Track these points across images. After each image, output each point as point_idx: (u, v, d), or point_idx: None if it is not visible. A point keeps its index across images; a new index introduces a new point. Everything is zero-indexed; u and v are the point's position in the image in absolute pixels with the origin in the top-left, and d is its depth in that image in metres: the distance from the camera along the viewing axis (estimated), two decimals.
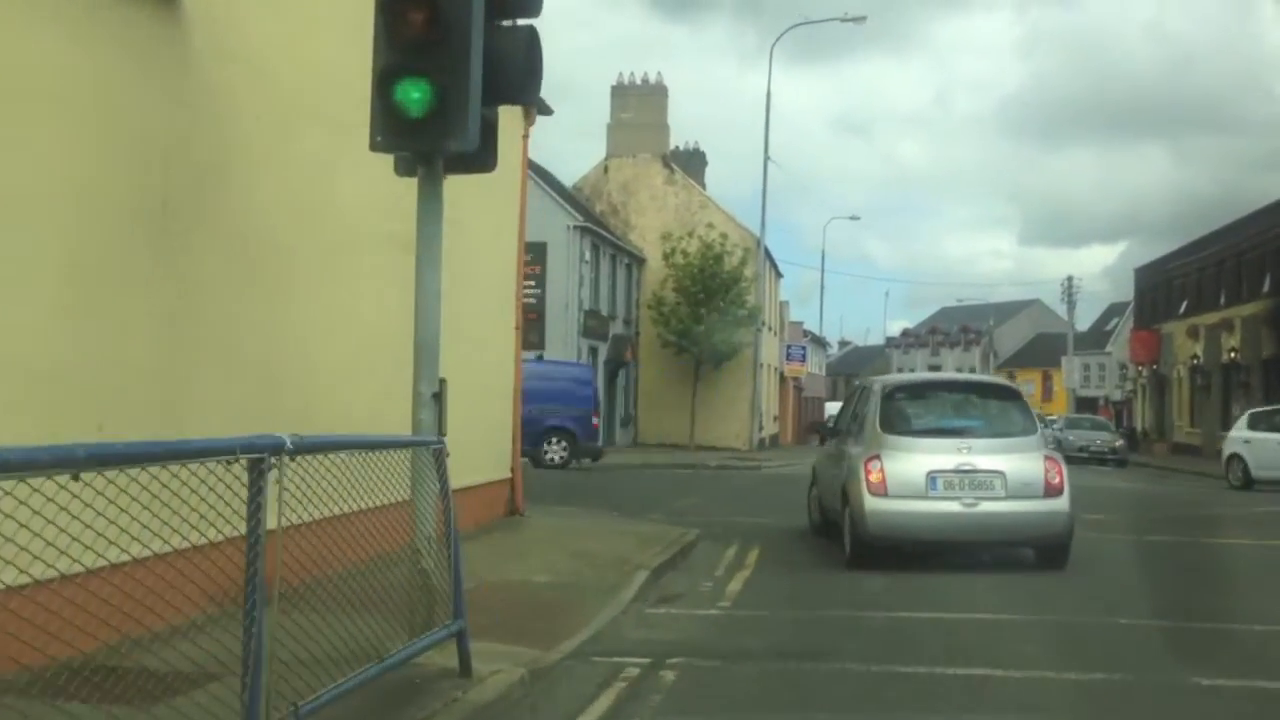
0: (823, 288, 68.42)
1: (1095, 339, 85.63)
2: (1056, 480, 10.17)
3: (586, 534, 11.46)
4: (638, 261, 38.80)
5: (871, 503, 9.93)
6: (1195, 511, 17.63)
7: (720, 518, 14.42)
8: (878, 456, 10.08)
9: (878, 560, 9.94)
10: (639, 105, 39.42)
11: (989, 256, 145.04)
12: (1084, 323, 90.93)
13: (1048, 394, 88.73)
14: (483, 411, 11.49)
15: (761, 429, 41.12)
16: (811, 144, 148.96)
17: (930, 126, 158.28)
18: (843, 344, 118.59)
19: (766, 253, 40.40)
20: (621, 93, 39.83)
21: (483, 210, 11.30)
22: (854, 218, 73.28)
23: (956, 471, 9.99)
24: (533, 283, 31.66)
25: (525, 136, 12.88)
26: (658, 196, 39.45)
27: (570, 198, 35.71)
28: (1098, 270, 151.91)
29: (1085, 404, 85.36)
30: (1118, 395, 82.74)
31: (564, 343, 31.17)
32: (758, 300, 38.51)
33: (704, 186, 42.13)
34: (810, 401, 67.59)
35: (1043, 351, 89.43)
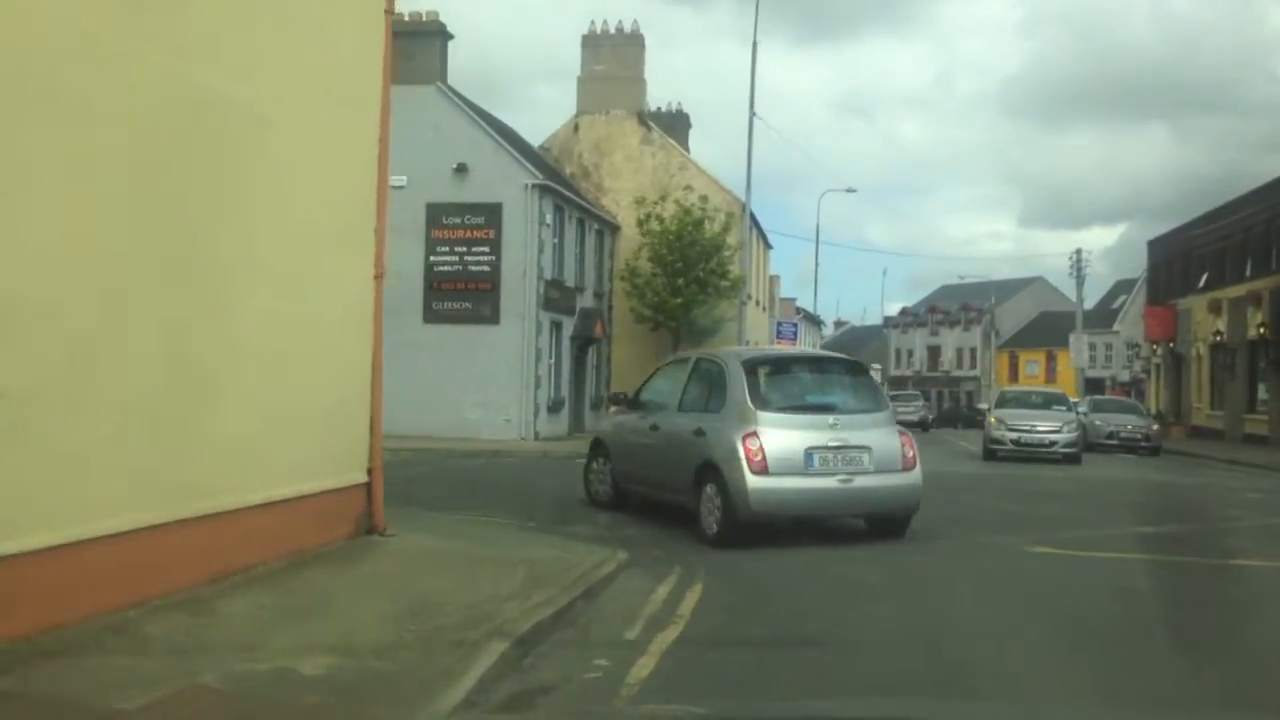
0: (817, 263, 65.01)
1: (1102, 317, 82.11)
2: (910, 454, 10.82)
3: (455, 565, 8.02)
4: (610, 229, 35.32)
5: (753, 480, 9.95)
6: None
7: (669, 526, 11.02)
8: (755, 434, 10.09)
9: (746, 538, 9.96)
10: (612, 57, 35.81)
11: (989, 238, 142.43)
12: (1089, 301, 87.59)
13: (1052, 374, 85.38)
14: (310, 389, 8.03)
15: None
16: (810, 125, 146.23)
17: (931, 108, 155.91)
18: (839, 324, 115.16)
19: (752, 219, 36.88)
20: (593, 43, 36.17)
21: (300, 94, 7.82)
22: (850, 190, 69.09)
23: (830, 448, 10.28)
24: (486, 249, 28.21)
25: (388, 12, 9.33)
26: (633, 157, 35.90)
27: (533, 155, 32.17)
28: (1098, 251, 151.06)
29: (1093, 385, 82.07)
30: (1125, 375, 79.35)
31: (521, 316, 27.71)
32: (742, 270, 35.04)
33: (687, 151, 38.61)
34: None
35: (1047, 330, 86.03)
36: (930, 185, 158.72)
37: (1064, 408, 26.99)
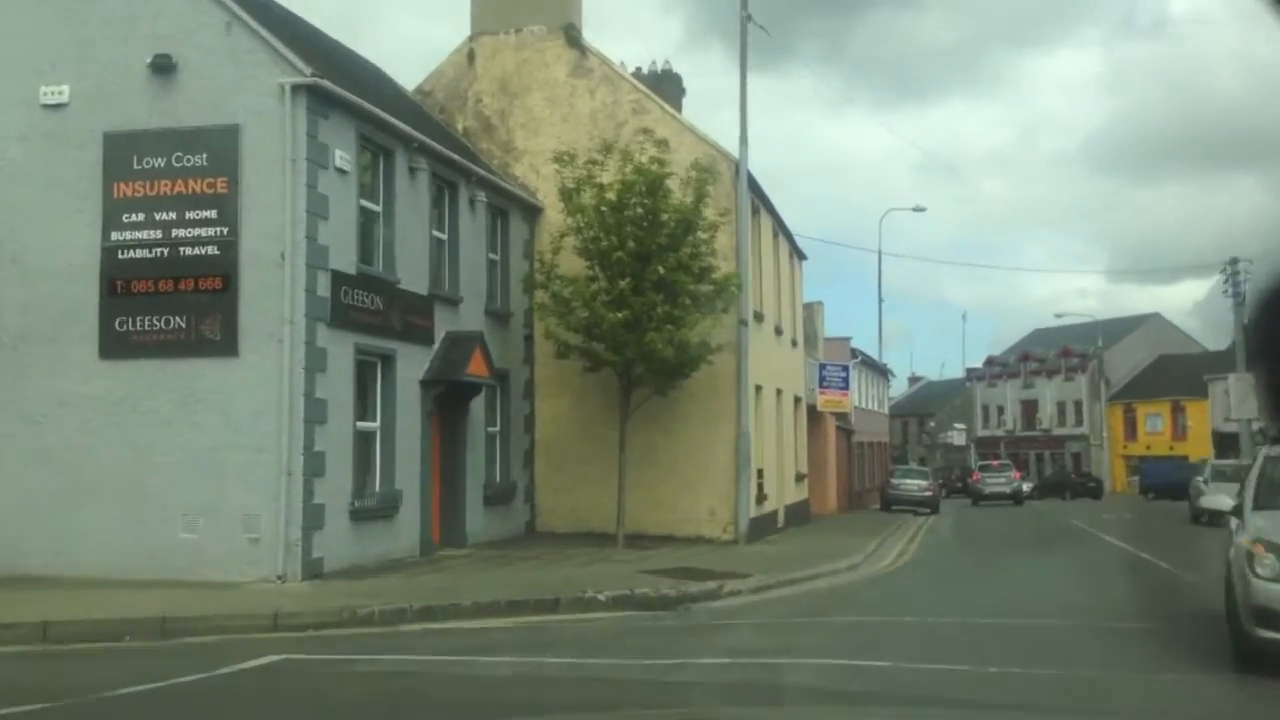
0: (880, 294, 51.16)
1: (1243, 358, 66.73)
2: None
3: None
4: (524, 210, 22.02)
5: None
6: None
7: None
8: None
9: None
10: None
11: (1074, 295, 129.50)
12: (1218, 341, 71.94)
13: (1180, 431, 69.67)
14: None
15: (762, 498, 23.74)
16: (891, 187, 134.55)
17: (1014, 166, 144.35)
18: (913, 380, 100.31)
19: (755, 191, 23.29)
20: None
21: None
22: (918, 208, 55.04)
23: None
24: (213, 213, 15.00)
25: None
26: (559, 98, 22.63)
27: (297, 51, 19.03)
28: (1189, 306, 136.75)
29: (1230, 440, 66.29)
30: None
31: (280, 339, 14.38)
32: (738, 269, 21.42)
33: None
34: (867, 450, 49.74)
35: (1168, 378, 70.52)
36: (1012, 245, 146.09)
37: None
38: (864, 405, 48.37)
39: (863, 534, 25.85)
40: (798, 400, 30.57)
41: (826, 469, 36.74)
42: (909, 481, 41.96)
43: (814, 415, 35.65)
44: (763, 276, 24.73)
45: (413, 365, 17.42)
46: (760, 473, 23.85)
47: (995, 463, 58.44)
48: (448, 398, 18.30)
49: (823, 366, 34.87)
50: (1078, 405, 75.39)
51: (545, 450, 22.32)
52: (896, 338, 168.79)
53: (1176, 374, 70.05)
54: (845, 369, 35.38)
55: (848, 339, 42.88)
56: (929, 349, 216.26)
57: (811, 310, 37.21)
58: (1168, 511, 42.80)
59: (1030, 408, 79.44)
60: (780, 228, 27.90)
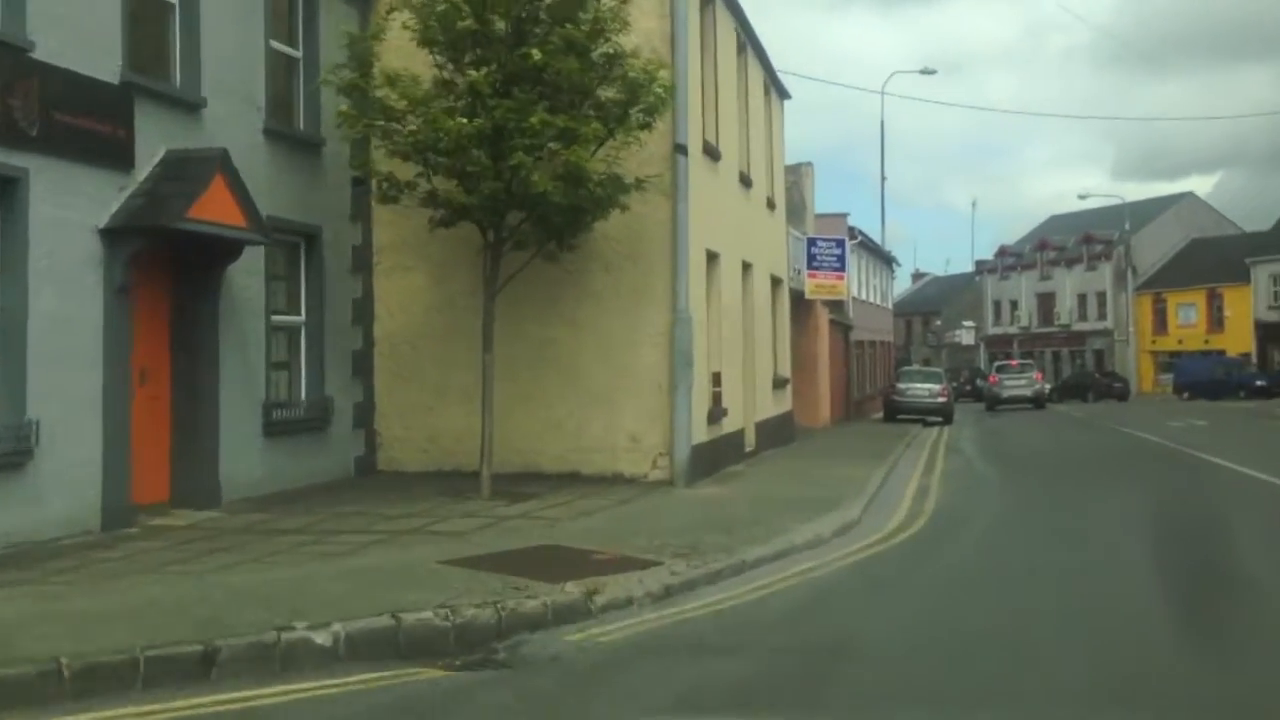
0: (883, 169, 43.23)
1: None
2: None
3: None
4: None
5: None
6: None
7: None
8: None
9: None
10: None
11: (1079, 195, 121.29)
12: (1267, 219, 64.20)
13: (1215, 324, 62.41)
14: None
15: (719, 413, 16.45)
16: (893, 88, 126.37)
17: (1018, 64, 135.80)
18: (917, 276, 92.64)
19: None
20: None
21: None
22: (927, 70, 47.24)
23: None
24: None
25: None
26: None
27: None
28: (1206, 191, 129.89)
29: (1274, 332, 59.12)
30: None
31: None
32: (673, 63, 13.93)
33: None
34: (868, 350, 42.48)
35: (1202, 264, 63.02)
36: (1016, 145, 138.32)
37: None
38: (864, 297, 41.01)
39: (862, 459, 18.72)
40: (777, 282, 23.18)
41: (817, 372, 29.50)
42: (918, 386, 34.79)
43: (801, 304, 28.32)
44: (719, 95, 17.14)
45: (82, 202, 10.00)
46: (718, 378, 16.59)
47: (1014, 363, 51.35)
48: (170, 262, 10.90)
49: (812, 242, 27.39)
50: (1100, 297, 68.02)
51: (390, 352, 15.02)
52: (900, 242, 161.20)
53: (1212, 259, 62.68)
54: (840, 244, 27.87)
55: (844, 215, 35.30)
56: (934, 250, 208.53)
57: (799, 173, 29.61)
58: (1240, 413, 35.74)
59: (1047, 301, 72.07)
60: (751, 43, 20.17)
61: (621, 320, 14.41)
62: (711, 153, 16.53)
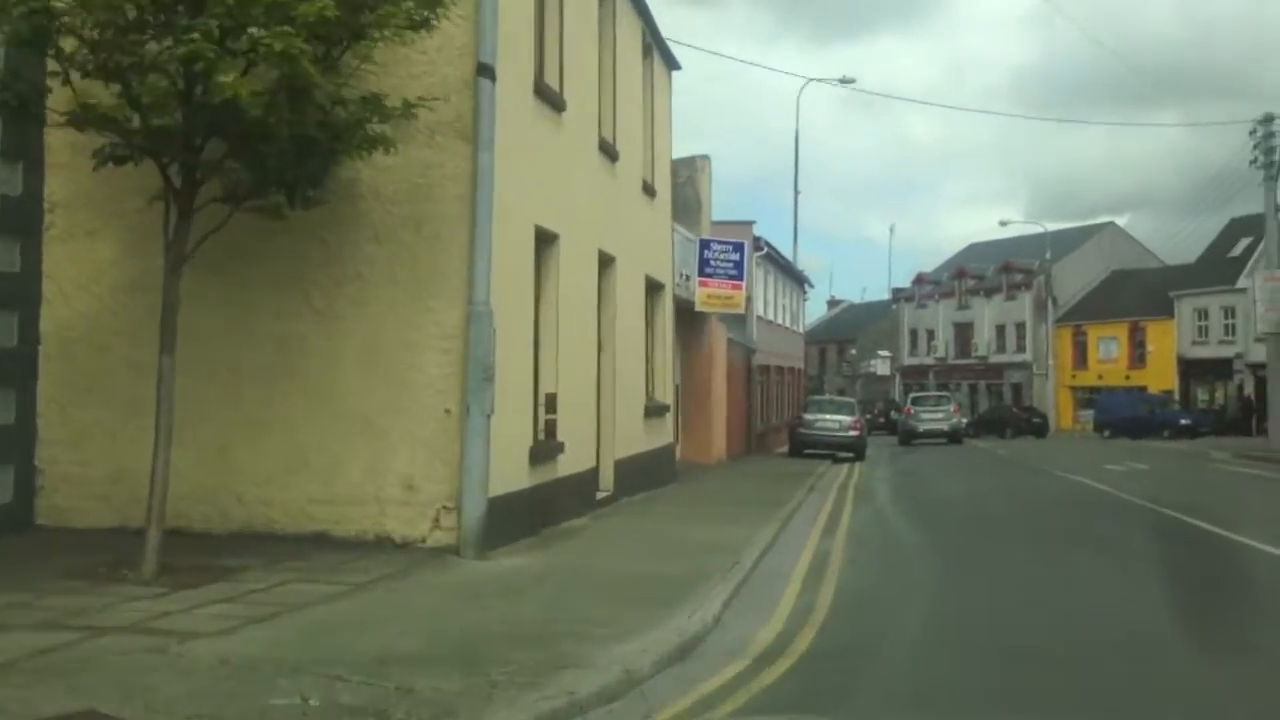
0: (796, 185, 40.26)
1: (1215, 271, 56.67)
2: None
3: None
4: None
5: None
6: None
7: None
8: None
9: None
10: None
11: (993, 233, 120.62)
12: (1187, 254, 61.97)
13: (1137, 358, 59.83)
14: None
15: (549, 448, 12.06)
16: (817, 124, 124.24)
17: (937, 103, 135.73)
18: (832, 303, 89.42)
19: None
20: None
21: None
22: (845, 80, 43.64)
23: None
24: None
25: None
26: None
27: None
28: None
29: (1197, 368, 56.68)
30: (1259, 353, 53.95)
31: None
32: None
33: None
34: (774, 376, 38.45)
35: (1125, 296, 60.46)
36: (934, 181, 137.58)
37: None
38: (771, 317, 37.05)
39: (749, 511, 14.51)
40: (656, 287, 18.99)
41: (710, 399, 25.29)
42: (828, 418, 30.83)
43: (693, 319, 24.17)
44: (564, 27, 12.87)
45: None
46: (552, 401, 12.25)
47: (932, 395, 47.93)
48: None
49: (705, 244, 23.26)
50: (1020, 328, 65.23)
51: (62, 352, 10.41)
52: (816, 272, 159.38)
53: (1134, 291, 60.18)
54: (739, 248, 23.73)
55: (750, 223, 31.32)
56: (851, 280, 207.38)
57: (694, 167, 25.51)
58: (1175, 455, 32.37)
59: (965, 331, 69.14)
60: None
61: (395, 314, 10.01)
62: (550, 98, 12.26)
